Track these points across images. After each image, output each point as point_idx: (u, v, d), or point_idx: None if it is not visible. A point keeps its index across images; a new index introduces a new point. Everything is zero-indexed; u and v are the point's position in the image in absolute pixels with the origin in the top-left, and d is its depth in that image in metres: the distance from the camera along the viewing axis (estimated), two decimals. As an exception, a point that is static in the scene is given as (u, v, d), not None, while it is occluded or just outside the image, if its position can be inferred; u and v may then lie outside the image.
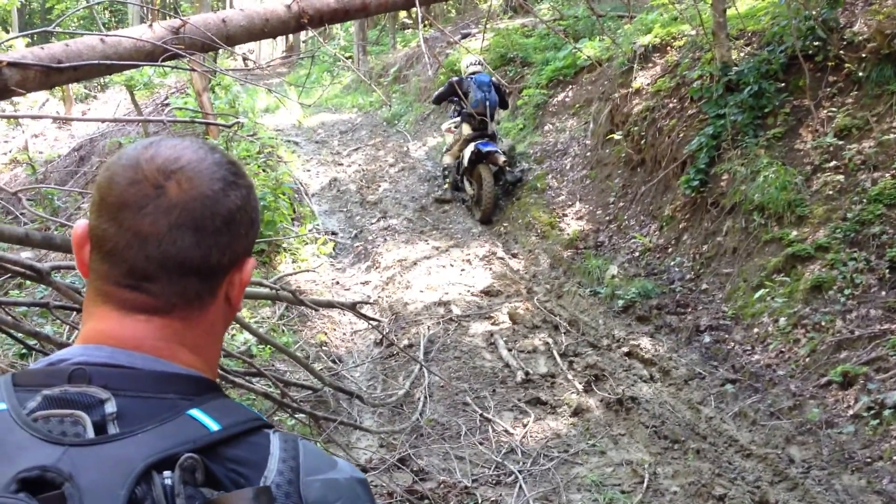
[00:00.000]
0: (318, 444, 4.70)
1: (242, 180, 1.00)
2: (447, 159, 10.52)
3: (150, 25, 3.44)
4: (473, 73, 9.93)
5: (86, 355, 0.92)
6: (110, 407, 0.86)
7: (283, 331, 6.57)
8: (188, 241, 0.93)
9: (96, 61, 3.18)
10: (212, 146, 1.02)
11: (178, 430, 0.86)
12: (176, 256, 0.93)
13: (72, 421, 0.84)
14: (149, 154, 0.95)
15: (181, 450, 0.83)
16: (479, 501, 4.40)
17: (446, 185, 10.69)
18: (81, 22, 18.63)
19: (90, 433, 0.83)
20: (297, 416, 4.87)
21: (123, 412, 0.86)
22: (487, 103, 9.61)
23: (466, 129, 9.88)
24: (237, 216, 0.97)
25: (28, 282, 5.48)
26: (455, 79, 10.07)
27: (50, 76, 3.11)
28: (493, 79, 9.88)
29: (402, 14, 21.86)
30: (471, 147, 9.45)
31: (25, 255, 6.65)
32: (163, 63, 3.48)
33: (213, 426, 0.88)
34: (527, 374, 5.87)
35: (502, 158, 9.47)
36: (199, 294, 0.97)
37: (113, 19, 25.02)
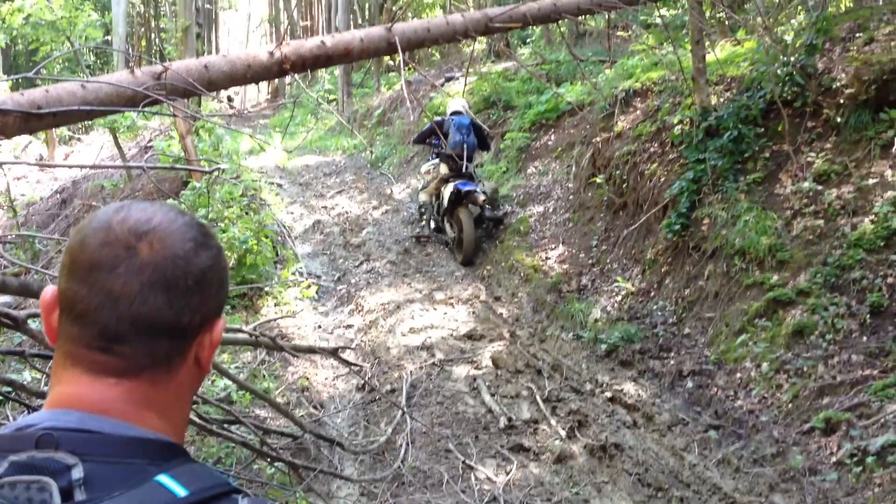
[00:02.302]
0: (298, 494, 4.63)
1: (212, 241, 1.02)
2: (423, 196, 10.70)
3: (132, 71, 3.43)
4: (454, 114, 10.09)
5: (54, 420, 0.91)
6: (77, 473, 0.85)
7: (264, 376, 6.50)
8: (160, 300, 0.93)
9: (76, 107, 3.16)
10: (181, 210, 1.03)
11: (145, 497, 0.85)
12: (147, 316, 0.93)
13: (38, 487, 0.83)
14: (120, 216, 0.96)
15: None
16: (461, 551, 4.34)
17: (423, 223, 10.83)
18: (67, 64, 18.67)
19: (56, 500, 0.82)
20: (276, 464, 4.79)
21: (91, 478, 0.85)
22: (465, 145, 9.76)
23: (444, 169, 10.04)
24: (208, 276, 0.98)
25: (4, 329, 5.41)
26: (437, 119, 10.28)
27: (29, 122, 3.09)
28: (474, 121, 10.04)
29: (387, 57, 22.06)
30: (450, 187, 9.56)
31: (1, 301, 6.58)
32: (144, 108, 3.48)
33: (181, 492, 0.87)
34: (510, 419, 5.82)
35: (482, 197, 9.58)
36: (168, 355, 0.97)
37: (98, 61, 25.09)
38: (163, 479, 0.88)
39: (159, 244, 0.94)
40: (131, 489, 0.85)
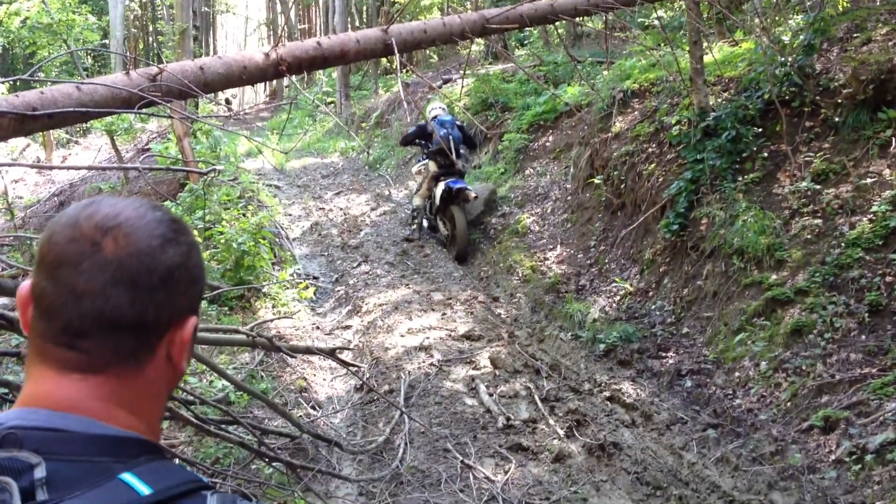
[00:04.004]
0: (296, 494, 4.62)
1: (184, 237, 1.00)
2: (417, 201, 10.92)
3: (127, 73, 3.43)
4: (435, 117, 10.36)
5: (20, 419, 0.90)
6: (40, 472, 0.84)
7: (262, 377, 6.49)
8: (123, 297, 0.92)
9: (72, 109, 3.16)
10: (155, 205, 1.02)
11: (106, 496, 0.85)
12: (110, 313, 0.92)
13: None
14: (88, 212, 0.96)
15: None
16: (460, 552, 4.33)
17: (414, 226, 11.06)
18: (64, 66, 18.66)
19: (17, 500, 0.81)
20: (274, 464, 4.79)
21: (53, 477, 0.84)
22: (451, 138, 9.91)
23: (433, 167, 10.27)
24: (175, 273, 0.97)
25: (1, 330, 5.40)
26: (420, 124, 10.60)
27: (24, 123, 3.10)
28: (457, 120, 10.33)
29: (384, 59, 22.05)
30: (441, 186, 9.79)
31: None
32: (140, 110, 3.47)
33: (144, 490, 0.86)
34: (508, 419, 5.81)
35: (473, 194, 9.77)
36: (133, 351, 0.96)
37: (95, 64, 25.09)
38: (126, 477, 0.87)
39: (124, 240, 0.94)
40: (93, 488, 0.85)
